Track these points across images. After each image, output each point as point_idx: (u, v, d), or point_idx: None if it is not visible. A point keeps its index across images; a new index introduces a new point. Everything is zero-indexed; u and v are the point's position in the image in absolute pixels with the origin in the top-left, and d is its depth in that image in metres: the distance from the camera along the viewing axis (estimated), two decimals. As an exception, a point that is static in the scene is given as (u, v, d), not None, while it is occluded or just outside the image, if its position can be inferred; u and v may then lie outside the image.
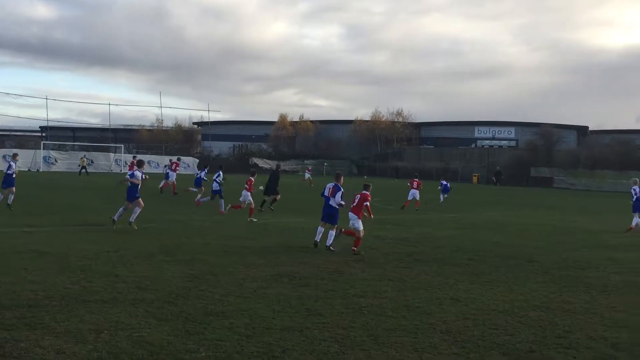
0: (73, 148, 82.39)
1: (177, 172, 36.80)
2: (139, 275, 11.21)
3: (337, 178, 15.85)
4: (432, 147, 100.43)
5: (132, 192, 18.46)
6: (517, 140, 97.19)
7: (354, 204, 15.53)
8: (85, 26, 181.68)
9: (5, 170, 23.56)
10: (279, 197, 27.30)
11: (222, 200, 24.91)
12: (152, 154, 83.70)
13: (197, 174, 32.88)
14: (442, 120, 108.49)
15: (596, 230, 23.54)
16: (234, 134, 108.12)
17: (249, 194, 22.85)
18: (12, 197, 22.63)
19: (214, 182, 25.78)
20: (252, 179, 23.34)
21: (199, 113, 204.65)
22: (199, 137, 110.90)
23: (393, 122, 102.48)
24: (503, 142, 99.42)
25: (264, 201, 26.84)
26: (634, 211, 22.78)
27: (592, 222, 26.81)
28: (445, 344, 7.78)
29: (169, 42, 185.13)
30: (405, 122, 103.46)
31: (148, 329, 7.91)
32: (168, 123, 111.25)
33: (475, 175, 79.97)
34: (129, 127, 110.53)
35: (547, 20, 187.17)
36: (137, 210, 18.24)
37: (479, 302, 10.13)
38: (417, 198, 30.72)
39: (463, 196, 42.12)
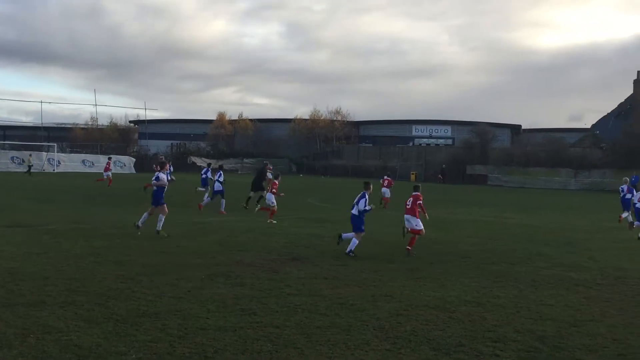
0: (3, 147, 79.78)
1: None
2: (69, 278, 10.95)
3: (367, 186, 15.72)
4: (370, 145, 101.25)
5: (158, 196, 17.40)
6: (453, 139, 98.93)
7: (408, 206, 16.21)
8: (19, 22, 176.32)
9: None
10: (263, 193, 27.13)
11: (224, 200, 25.24)
12: (86, 152, 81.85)
13: (203, 173, 33.44)
14: (380, 118, 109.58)
15: (528, 226, 24.18)
16: (171, 132, 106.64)
17: (273, 196, 23.07)
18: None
19: (216, 182, 25.99)
20: (277, 182, 23.59)
21: (136, 111, 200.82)
22: (136, 135, 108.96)
23: (332, 121, 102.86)
24: (440, 141, 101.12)
25: (249, 197, 27.68)
26: (624, 209, 25.61)
27: (525, 218, 27.51)
28: (377, 341, 7.87)
29: (106, 39, 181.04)
30: (344, 121, 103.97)
31: (77, 332, 7.74)
32: (104, 121, 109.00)
33: (413, 173, 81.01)
34: (63, 126, 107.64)
35: (483, 21, 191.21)
36: (162, 218, 17.19)
37: (412, 299, 10.28)
38: (387, 196, 31.29)
39: (401, 194, 42.56)
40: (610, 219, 27.81)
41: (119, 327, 8.02)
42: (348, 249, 14.83)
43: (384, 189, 31.58)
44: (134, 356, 6.97)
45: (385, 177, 32.27)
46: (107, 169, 42.87)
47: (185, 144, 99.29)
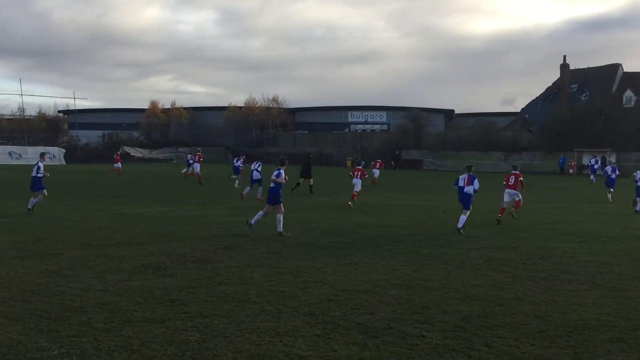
0: None
1: (201, 162, 40.07)
2: (-10, 274, 10.58)
3: (469, 169, 18.53)
4: (306, 132, 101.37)
5: (276, 194, 16.58)
6: (388, 124, 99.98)
7: (511, 183, 20.52)
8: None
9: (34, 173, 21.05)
10: (312, 182, 31.11)
11: (261, 188, 26.50)
12: (13, 144, 79.21)
13: (234, 162, 37.62)
14: (316, 105, 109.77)
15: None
16: (103, 122, 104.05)
17: (360, 181, 26.28)
18: (34, 201, 20.58)
19: (255, 171, 27.12)
20: (361, 168, 27.23)
21: (65, 101, 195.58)
22: (66, 126, 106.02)
23: (268, 108, 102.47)
24: (375, 127, 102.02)
25: (298, 183, 30.88)
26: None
27: (456, 202, 27.97)
28: (307, 327, 7.89)
29: (34, 27, 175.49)
30: (280, 108, 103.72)
31: (-4, 329, 7.49)
32: (32, 112, 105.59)
33: (349, 159, 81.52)
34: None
35: (419, 7, 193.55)
36: (280, 218, 16.33)
37: (344, 284, 10.34)
38: (376, 176, 33.28)
39: (336, 180, 42.83)
40: (536, 200, 28.63)
41: (42, 323, 7.80)
42: (459, 225, 17.18)
43: (375, 170, 33.68)
44: (56, 352, 6.79)
45: (378, 160, 35.27)
46: (117, 161, 46.71)
47: (117, 133, 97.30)
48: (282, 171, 16.76)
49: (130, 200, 25.67)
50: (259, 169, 27.20)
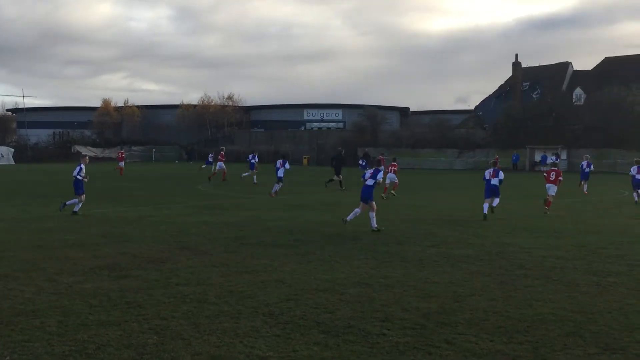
0: None
1: (223, 161, 40.89)
2: (-63, 278, 10.22)
3: (495, 163, 21.00)
4: (262, 130, 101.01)
5: (369, 192, 17.30)
6: (344, 122, 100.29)
7: (552, 179, 22.40)
8: None
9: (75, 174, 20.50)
10: (341, 177, 33.19)
11: (280, 185, 28.51)
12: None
13: (250, 158, 40.03)
14: (272, 103, 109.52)
15: (417, 205, 24.84)
16: (53, 120, 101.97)
17: (395, 175, 29.11)
18: (72, 202, 20.21)
19: (282, 169, 28.91)
20: (396, 164, 30.21)
21: (14, 99, 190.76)
22: (14, 125, 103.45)
23: (223, 106, 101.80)
24: (331, 124, 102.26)
25: (332, 179, 33.35)
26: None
27: (413, 199, 28.25)
28: (267, 327, 7.81)
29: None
30: (235, 106, 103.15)
31: (-56, 336, 7.22)
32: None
33: (305, 158, 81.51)
34: None
35: (374, 5, 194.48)
36: (373, 215, 16.91)
37: (303, 283, 10.29)
38: (395, 180, 30.46)
39: (295, 178, 42.74)
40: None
41: (-8, 328, 7.55)
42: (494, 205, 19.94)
43: (390, 175, 30.32)
44: (8, 357, 6.58)
45: (393, 162, 31.57)
46: (121, 159, 49.00)
47: (68, 132, 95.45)
48: (381, 171, 17.91)
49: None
50: (287, 167, 29.26)
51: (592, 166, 33.66)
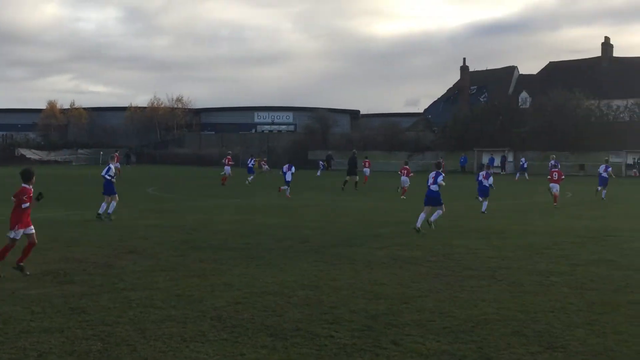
0: None
1: (231, 164, 41.68)
2: None
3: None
4: (212, 133, 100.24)
5: (434, 197, 17.46)
6: (295, 125, 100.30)
7: (555, 178, 25.71)
8: None
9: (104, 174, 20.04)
10: (357, 178, 35.07)
11: (288, 188, 29.88)
12: None
13: (248, 162, 42.34)
14: (223, 106, 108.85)
15: (367, 208, 25.01)
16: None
17: (407, 179, 30.50)
18: (106, 207, 19.54)
19: (289, 172, 30.19)
20: (408, 167, 31.50)
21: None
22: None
23: (173, 109, 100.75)
24: (282, 127, 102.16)
25: (346, 181, 34.54)
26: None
27: (362, 201, 28.42)
28: (214, 331, 7.75)
29: None
30: (185, 109, 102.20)
31: None
32: None
33: (256, 160, 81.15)
34: None
35: (324, 9, 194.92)
36: (440, 212, 17.74)
37: (251, 286, 10.24)
38: (406, 185, 30.92)
39: (243, 181, 42.55)
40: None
41: None
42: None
43: (403, 178, 31.21)
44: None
45: (405, 167, 32.23)
46: (117, 160, 45.95)
47: (12, 135, 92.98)
48: (442, 175, 17.96)
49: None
50: (293, 171, 30.70)
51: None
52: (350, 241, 15.44)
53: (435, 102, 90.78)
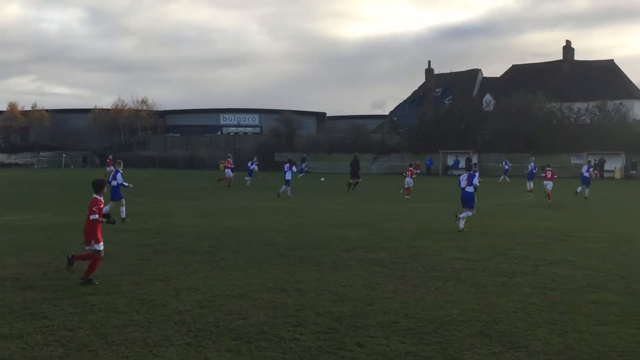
0: None
1: (231, 167, 41.23)
2: None
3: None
4: (178, 135, 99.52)
5: (469, 198, 18.40)
6: (261, 127, 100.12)
7: (548, 176, 28.57)
8: None
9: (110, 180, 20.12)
10: (360, 180, 36.44)
11: (289, 188, 31.08)
12: None
13: (249, 165, 43.00)
14: (188, 108, 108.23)
15: (333, 210, 25.03)
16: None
17: (411, 180, 31.83)
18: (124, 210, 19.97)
19: (289, 172, 31.41)
20: (412, 169, 32.94)
21: None
22: None
23: (137, 111, 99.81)
24: (248, 129, 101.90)
25: (350, 183, 35.82)
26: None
27: (327, 203, 28.44)
28: (178, 335, 7.67)
29: None
30: (150, 111, 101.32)
31: None
32: None
33: (221, 163, 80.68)
34: None
35: (291, 11, 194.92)
36: (469, 214, 18.34)
37: (216, 289, 10.17)
38: (410, 185, 32.16)
39: (210, 184, 42.33)
40: (407, 201, 29.57)
41: None
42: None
43: (407, 179, 32.43)
44: None
45: (410, 168, 33.67)
46: (109, 164, 48.35)
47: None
48: (476, 176, 18.85)
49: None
50: (294, 170, 32.51)
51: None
52: (316, 243, 15.41)
53: (400, 104, 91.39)
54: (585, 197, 30.95)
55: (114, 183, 20.18)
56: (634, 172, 58.73)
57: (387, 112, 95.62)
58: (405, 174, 33.42)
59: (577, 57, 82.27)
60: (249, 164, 43.41)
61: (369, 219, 21.43)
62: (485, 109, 76.60)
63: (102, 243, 10.89)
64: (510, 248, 14.85)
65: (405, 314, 8.73)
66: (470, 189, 18.30)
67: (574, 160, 62.68)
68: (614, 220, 21.67)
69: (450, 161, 70.57)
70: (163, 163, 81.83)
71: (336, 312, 8.79)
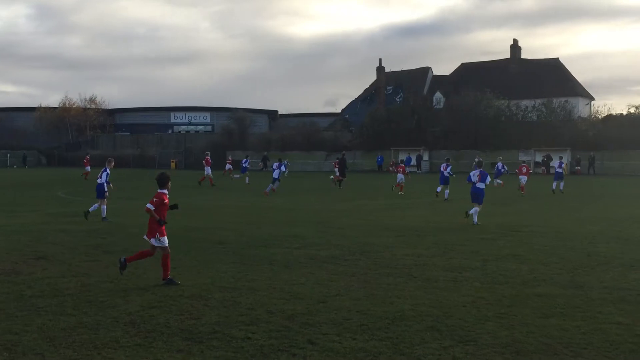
0: None
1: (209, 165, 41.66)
2: None
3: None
4: (128, 133, 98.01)
5: (479, 194, 19.16)
6: (212, 125, 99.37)
7: (523, 172, 31.20)
8: None
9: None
10: (345, 178, 38.43)
11: (272, 186, 32.40)
12: None
13: (242, 163, 44.24)
14: (138, 106, 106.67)
15: (285, 208, 24.99)
16: None
17: (403, 175, 33.14)
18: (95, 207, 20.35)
19: (277, 170, 33.09)
20: (403, 166, 34.93)
21: None
22: None
23: (85, 109, 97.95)
24: (199, 127, 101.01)
25: (341, 180, 37.93)
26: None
27: (281, 202, 28.39)
28: (127, 336, 7.57)
29: None
30: (98, 109, 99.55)
31: None
32: None
33: (173, 161, 79.93)
34: None
35: (243, 8, 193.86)
36: (478, 209, 19.11)
37: (167, 289, 10.06)
38: (401, 181, 33.48)
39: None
40: (359, 198, 29.73)
41: None
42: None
43: (399, 175, 33.87)
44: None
45: (400, 165, 36.19)
46: (86, 164, 50.71)
47: None
48: (487, 174, 19.89)
49: None
50: (282, 169, 34.05)
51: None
52: (269, 242, 15.37)
53: (352, 102, 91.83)
54: (561, 191, 32.67)
55: (99, 181, 20.27)
56: (579, 167, 60.22)
57: (339, 110, 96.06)
58: (397, 170, 35.08)
59: (524, 55, 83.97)
60: (243, 162, 44.93)
61: (321, 216, 21.49)
62: (435, 107, 77.55)
63: (166, 237, 10.72)
64: (459, 244, 15.07)
65: (356, 310, 8.78)
66: (481, 185, 19.14)
67: (522, 157, 63.87)
68: (560, 215, 22.20)
69: (401, 158, 71.23)
70: (119, 163, 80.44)
71: (288, 310, 8.79)
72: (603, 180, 48.60)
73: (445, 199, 28.41)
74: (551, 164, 35.97)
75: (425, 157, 69.08)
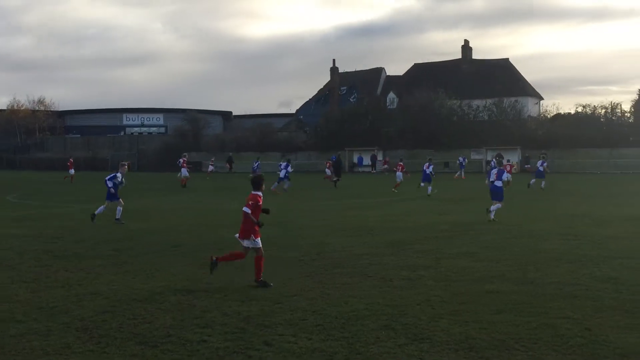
0: None
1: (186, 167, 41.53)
2: None
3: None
4: (78, 136, 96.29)
5: (498, 191, 19.59)
6: (166, 127, 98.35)
7: (508, 170, 27.13)
8: None
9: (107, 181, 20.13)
10: (340, 179, 39.39)
11: (278, 184, 34.00)
12: None
13: (254, 164, 46.51)
14: (89, 108, 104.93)
15: (239, 210, 24.81)
16: None
17: (401, 174, 34.47)
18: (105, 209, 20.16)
19: (283, 170, 34.71)
20: (403, 164, 35.80)
21: None
22: None
23: (34, 111, 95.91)
24: (152, 129, 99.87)
25: (337, 180, 38.90)
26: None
27: (235, 203, 28.21)
28: (79, 342, 7.44)
29: None
30: (48, 111, 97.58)
31: None
32: None
33: (127, 164, 78.76)
34: None
35: (195, 9, 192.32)
36: (499, 206, 19.53)
37: (120, 294, 9.91)
38: (400, 180, 34.81)
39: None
40: (315, 198, 29.79)
41: None
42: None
43: (398, 174, 35.02)
44: None
45: (400, 163, 36.78)
46: (70, 167, 50.59)
47: None
48: (505, 171, 20.31)
49: None
50: (289, 169, 35.14)
51: (545, 164, 37.81)
52: (224, 244, 15.25)
53: (306, 103, 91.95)
54: (541, 188, 34.31)
55: (109, 184, 19.98)
56: (528, 166, 61.44)
57: (293, 111, 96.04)
58: (396, 168, 36.36)
59: (475, 55, 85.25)
60: (254, 163, 47.68)
61: (278, 217, 21.40)
62: (389, 107, 78.22)
63: (259, 239, 10.71)
64: (414, 242, 15.23)
65: (312, 310, 8.80)
66: (499, 183, 19.71)
67: (474, 156, 65.00)
68: (512, 212, 22.58)
69: (355, 158, 71.64)
70: (63, 165, 78.83)
71: (244, 311, 8.76)
72: (553, 177, 49.67)
73: (428, 195, 30.27)
74: (537, 163, 37.26)
75: (380, 156, 69.58)
